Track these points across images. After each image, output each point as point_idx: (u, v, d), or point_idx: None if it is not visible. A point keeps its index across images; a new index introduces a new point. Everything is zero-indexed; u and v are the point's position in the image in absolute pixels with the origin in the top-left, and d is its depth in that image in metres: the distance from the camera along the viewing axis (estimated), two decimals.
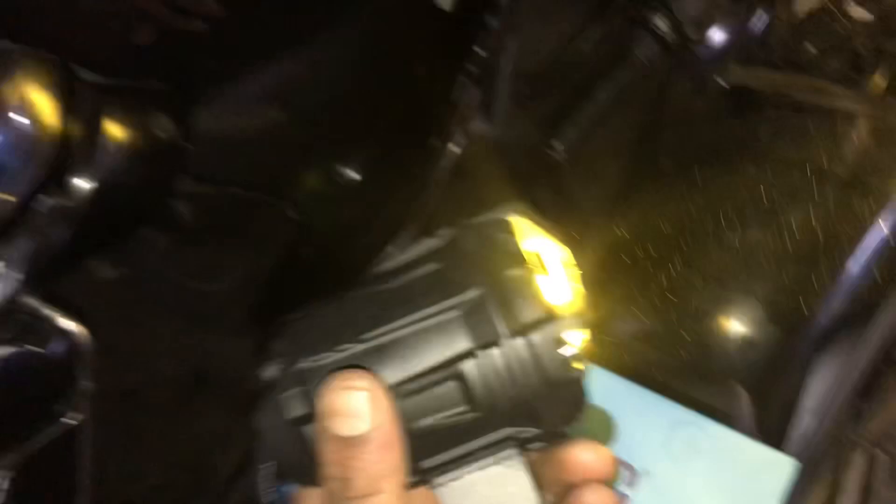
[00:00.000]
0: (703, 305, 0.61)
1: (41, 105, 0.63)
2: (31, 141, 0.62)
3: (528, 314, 0.32)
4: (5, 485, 0.67)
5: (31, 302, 0.67)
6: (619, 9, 0.63)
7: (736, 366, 0.60)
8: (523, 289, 0.32)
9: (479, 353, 0.32)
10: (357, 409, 0.31)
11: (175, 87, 0.72)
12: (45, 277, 0.66)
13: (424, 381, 0.33)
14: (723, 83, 0.66)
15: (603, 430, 0.46)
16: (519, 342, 0.32)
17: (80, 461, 0.71)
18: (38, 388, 0.69)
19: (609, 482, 0.37)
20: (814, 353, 0.61)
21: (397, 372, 0.33)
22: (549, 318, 0.32)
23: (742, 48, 0.68)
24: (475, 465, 0.34)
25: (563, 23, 0.73)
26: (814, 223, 0.61)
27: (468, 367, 0.32)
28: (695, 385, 0.58)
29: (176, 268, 1.02)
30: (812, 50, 0.65)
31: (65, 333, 0.68)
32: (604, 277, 0.67)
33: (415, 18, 1.11)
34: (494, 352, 0.32)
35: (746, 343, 0.60)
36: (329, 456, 0.32)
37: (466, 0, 1.09)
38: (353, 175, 1.07)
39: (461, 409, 0.33)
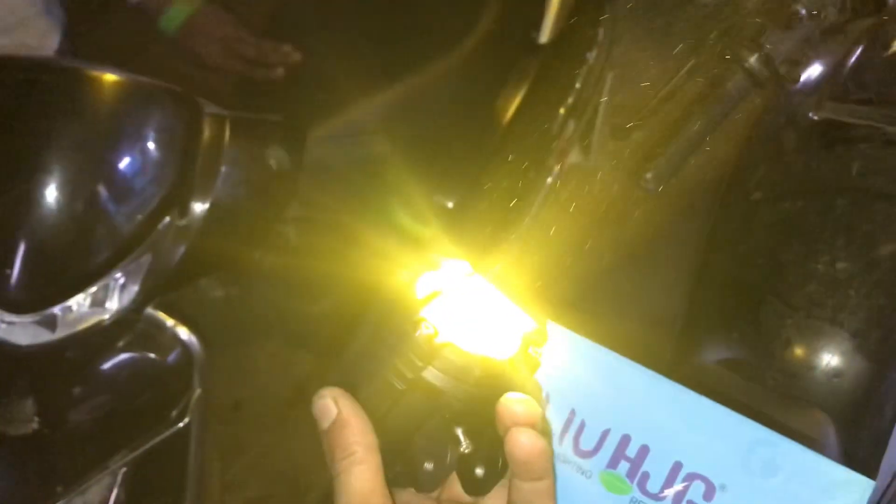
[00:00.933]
0: (791, 335, 0.62)
1: (169, 134, 0.69)
2: (158, 166, 0.68)
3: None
4: (119, 479, 0.72)
5: (153, 313, 0.72)
6: (712, 45, 0.65)
7: (823, 396, 0.61)
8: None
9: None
10: (325, 409, 0.45)
11: (289, 119, 0.77)
12: (162, 291, 0.71)
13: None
14: (815, 117, 0.67)
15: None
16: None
17: (189, 463, 0.76)
18: (154, 393, 0.74)
19: (542, 432, 0.43)
20: None
21: None
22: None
23: (835, 83, 0.69)
24: None
25: (657, 58, 0.75)
26: None
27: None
28: (781, 413, 0.58)
29: (279, 288, 1.07)
30: None
31: (182, 343, 0.73)
32: (694, 305, 0.68)
33: (513, 52, 1.15)
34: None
35: (834, 374, 0.60)
36: (325, 449, 0.45)
37: (564, 35, 1.12)
38: (447, 203, 1.11)
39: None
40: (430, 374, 0.43)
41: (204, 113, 0.70)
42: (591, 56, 1.20)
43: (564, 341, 0.47)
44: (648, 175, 0.61)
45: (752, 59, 0.62)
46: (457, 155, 1.09)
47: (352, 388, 0.45)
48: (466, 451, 0.43)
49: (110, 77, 0.68)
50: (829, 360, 0.61)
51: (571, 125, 1.24)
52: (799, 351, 0.61)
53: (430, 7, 1.02)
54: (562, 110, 1.22)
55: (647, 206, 0.95)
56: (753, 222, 0.67)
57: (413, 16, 1.01)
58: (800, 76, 0.62)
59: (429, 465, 0.44)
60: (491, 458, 0.43)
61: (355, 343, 0.47)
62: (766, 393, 0.61)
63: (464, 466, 0.43)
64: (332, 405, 0.44)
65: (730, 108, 0.62)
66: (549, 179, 1.27)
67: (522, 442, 0.42)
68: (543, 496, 0.43)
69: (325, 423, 0.45)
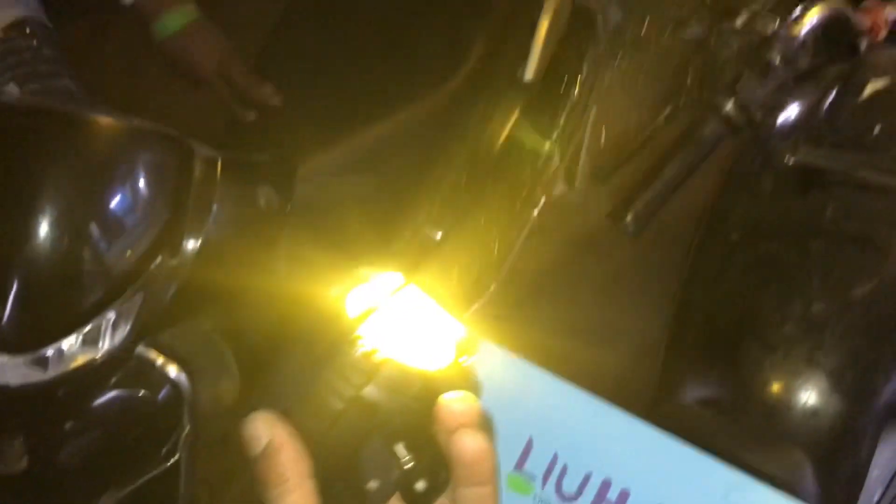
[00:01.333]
0: (769, 374, 0.64)
1: (161, 176, 0.70)
2: (150, 207, 0.69)
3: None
4: None
5: (143, 350, 0.73)
6: (688, 91, 0.67)
7: (801, 434, 0.62)
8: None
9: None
10: (256, 432, 0.42)
11: (278, 158, 0.78)
12: (153, 330, 0.72)
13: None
14: (790, 161, 0.69)
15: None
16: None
17: (178, 500, 0.76)
18: (144, 430, 0.75)
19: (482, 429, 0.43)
20: (881, 425, 0.62)
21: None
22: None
23: (810, 128, 0.71)
24: None
25: (636, 102, 0.77)
26: (878, 298, 0.63)
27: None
28: (759, 452, 0.60)
29: (269, 322, 1.08)
30: (877, 130, 0.68)
31: (171, 381, 0.74)
32: (674, 343, 0.70)
33: (499, 88, 1.17)
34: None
35: (811, 412, 0.62)
36: (256, 477, 0.43)
37: (548, 72, 1.14)
38: (435, 236, 1.12)
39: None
40: (370, 392, 0.43)
41: (195, 155, 0.71)
42: (575, 93, 1.23)
43: (547, 386, 0.48)
44: (628, 218, 0.63)
45: (728, 106, 0.63)
46: (445, 188, 1.11)
47: (285, 412, 0.44)
48: (408, 466, 0.44)
49: (103, 121, 0.69)
50: (807, 398, 0.62)
51: (556, 159, 1.26)
52: (777, 390, 0.63)
53: (419, 45, 1.04)
54: (547, 144, 1.24)
55: (628, 238, 0.96)
56: (731, 263, 0.69)
57: (402, 53, 1.03)
58: (775, 122, 0.64)
59: (374, 484, 0.44)
60: (433, 472, 0.44)
61: (286, 365, 0.47)
62: (744, 432, 0.63)
63: (405, 481, 0.44)
64: (264, 430, 0.43)
65: (707, 153, 0.64)
66: (536, 211, 1.29)
67: (467, 444, 0.42)
68: (488, 502, 0.43)
69: (256, 449, 0.43)
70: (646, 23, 1.29)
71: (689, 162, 0.63)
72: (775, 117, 0.63)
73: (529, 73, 1.13)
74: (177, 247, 0.69)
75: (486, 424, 0.45)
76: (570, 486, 0.47)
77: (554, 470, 0.47)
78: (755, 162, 0.72)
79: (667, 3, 1.18)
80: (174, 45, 1.09)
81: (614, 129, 0.82)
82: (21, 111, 0.69)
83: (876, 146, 0.66)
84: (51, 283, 0.66)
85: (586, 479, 0.46)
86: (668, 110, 0.69)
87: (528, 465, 0.47)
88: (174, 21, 1.09)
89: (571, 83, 1.17)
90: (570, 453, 0.47)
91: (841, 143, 0.68)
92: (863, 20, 0.71)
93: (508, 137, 1.17)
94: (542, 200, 1.29)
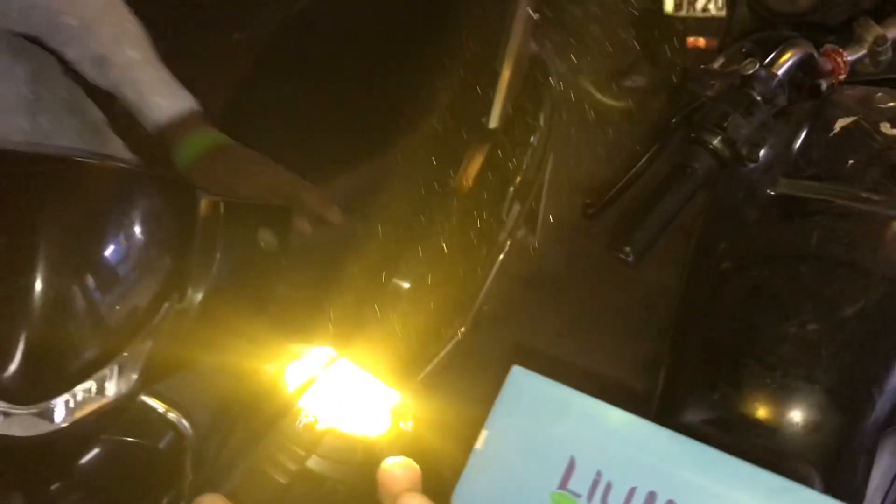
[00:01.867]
0: (771, 393, 0.67)
1: (167, 220, 0.70)
2: (157, 253, 0.69)
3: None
4: None
5: (144, 398, 0.72)
6: (678, 129, 0.71)
7: (804, 449, 0.65)
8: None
9: None
10: None
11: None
12: (160, 377, 0.71)
13: None
14: (772, 193, 0.74)
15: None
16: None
17: None
18: (146, 480, 0.73)
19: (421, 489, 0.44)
20: (877, 436, 0.66)
21: None
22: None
23: (787, 161, 0.76)
24: None
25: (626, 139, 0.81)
26: (866, 316, 0.67)
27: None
28: (768, 467, 0.62)
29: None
30: (850, 162, 0.73)
31: (174, 427, 0.73)
32: (673, 368, 0.73)
33: (466, 135, 1.20)
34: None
35: (813, 427, 0.65)
36: None
37: (510, 120, 1.18)
38: (404, 285, 1.14)
39: None
40: (314, 463, 0.44)
41: (199, 198, 0.71)
42: (535, 139, 1.27)
43: (585, 406, 0.49)
44: (627, 249, 0.66)
45: (716, 142, 0.67)
46: (416, 235, 1.13)
47: (232, 492, 0.45)
48: None
49: (107, 166, 0.70)
50: (808, 414, 0.66)
51: (518, 204, 1.30)
52: (779, 408, 0.66)
53: (394, 93, 1.07)
54: (511, 189, 1.28)
55: (588, 281, 0.99)
56: (725, 290, 0.72)
57: (378, 99, 1.06)
58: (759, 156, 0.68)
59: None
60: None
61: (228, 445, 0.47)
62: (752, 449, 0.65)
63: None
64: None
65: (698, 187, 0.68)
66: (501, 256, 1.32)
67: None
68: None
69: None
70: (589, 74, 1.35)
71: (682, 194, 0.67)
72: (759, 152, 0.67)
73: (494, 120, 1.17)
74: (184, 292, 0.69)
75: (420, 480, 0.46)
76: (615, 500, 0.48)
77: (598, 487, 0.48)
78: (738, 194, 0.76)
79: (606, 56, 1.23)
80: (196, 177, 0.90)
81: (601, 170, 0.86)
82: (23, 160, 0.68)
83: (851, 177, 0.71)
84: (58, 336, 0.65)
85: (631, 493, 0.48)
86: (654, 148, 0.73)
87: (571, 484, 0.48)
88: (192, 147, 0.91)
89: (531, 131, 1.22)
90: (613, 470, 0.48)
91: (817, 175, 0.72)
92: (825, 63, 0.77)
93: (475, 183, 1.20)
94: (508, 245, 1.32)
